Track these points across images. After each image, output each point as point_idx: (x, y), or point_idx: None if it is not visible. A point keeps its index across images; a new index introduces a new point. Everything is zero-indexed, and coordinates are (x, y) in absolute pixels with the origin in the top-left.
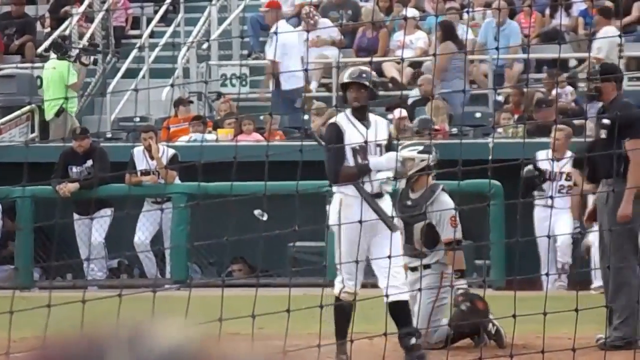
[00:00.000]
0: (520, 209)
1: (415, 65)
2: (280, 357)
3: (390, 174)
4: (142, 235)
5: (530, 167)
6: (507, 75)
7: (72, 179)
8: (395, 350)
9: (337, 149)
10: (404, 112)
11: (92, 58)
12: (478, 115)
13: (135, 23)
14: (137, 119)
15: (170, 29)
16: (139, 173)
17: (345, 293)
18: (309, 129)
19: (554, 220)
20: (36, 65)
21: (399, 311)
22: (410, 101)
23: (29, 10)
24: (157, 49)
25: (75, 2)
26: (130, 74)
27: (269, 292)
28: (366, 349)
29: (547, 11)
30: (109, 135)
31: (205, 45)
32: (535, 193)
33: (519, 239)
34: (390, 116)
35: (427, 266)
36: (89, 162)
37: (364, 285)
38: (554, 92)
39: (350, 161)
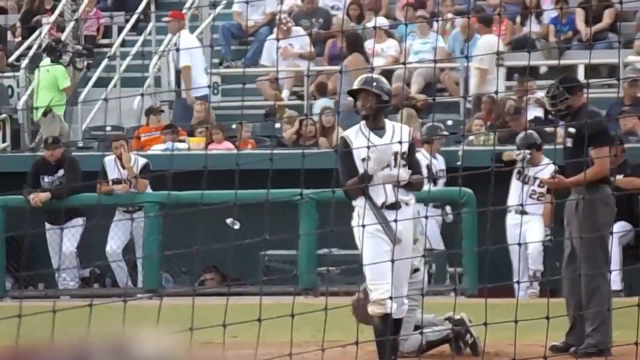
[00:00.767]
0: (491, 216)
1: (387, 73)
2: None
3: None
4: (114, 244)
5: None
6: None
7: (44, 189)
8: (369, 359)
9: (347, 162)
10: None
11: (85, 62)
12: (449, 122)
13: (107, 32)
14: (109, 128)
15: (141, 38)
16: (110, 182)
17: (374, 305)
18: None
19: (525, 229)
20: (6, 75)
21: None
22: None
23: (0, 19)
24: (128, 58)
25: (47, 12)
26: (102, 83)
27: (241, 300)
28: (339, 357)
29: (518, 19)
30: (80, 144)
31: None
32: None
33: (489, 247)
34: None
35: None
36: (61, 172)
37: (336, 294)
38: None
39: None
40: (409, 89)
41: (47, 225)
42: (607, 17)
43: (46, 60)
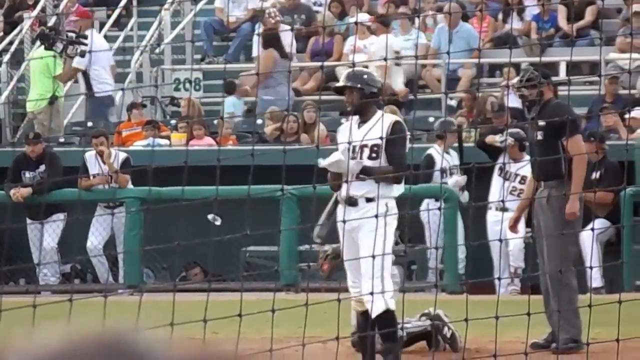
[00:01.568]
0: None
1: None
2: None
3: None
4: (95, 240)
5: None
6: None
7: (25, 184)
8: (349, 355)
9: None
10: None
11: (78, 50)
12: (431, 119)
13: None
14: (90, 124)
15: (123, 34)
16: (91, 177)
17: (355, 302)
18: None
19: (506, 225)
20: None
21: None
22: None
23: None
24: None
25: (29, 7)
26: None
27: (222, 296)
28: (319, 352)
29: (500, 16)
30: (61, 140)
31: (158, 50)
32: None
33: (470, 243)
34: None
35: None
36: (42, 167)
37: (317, 290)
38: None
39: None
40: (391, 85)
41: (28, 221)
42: (589, 14)
43: (40, 50)
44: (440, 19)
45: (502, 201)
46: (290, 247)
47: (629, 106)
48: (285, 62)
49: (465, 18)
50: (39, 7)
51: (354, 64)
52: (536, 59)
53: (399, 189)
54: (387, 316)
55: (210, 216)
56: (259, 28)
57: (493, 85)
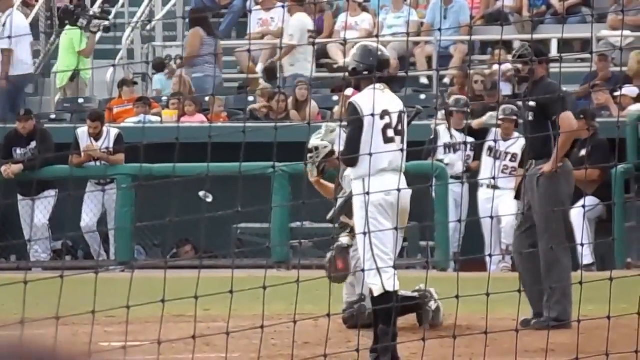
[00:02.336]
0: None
1: None
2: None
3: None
4: (88, 218)
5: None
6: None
7: (16, 160)
8: (340, 331)
9: None
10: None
11: (101, 25)
12: (422, 97)
13: (80, 3)
14: (81, 100)
15: (114, 10)
16: (83, 154)
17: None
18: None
19: (498, 203)
20: None
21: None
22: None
23: None
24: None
25: None
26: None
27: (213, 273)
28: (311, 329)
29: None
30: (52, 116)
31: (149, 27)
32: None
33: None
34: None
35: None
36: (33, 144)
37: (308, 267)
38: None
39: None
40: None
41: (19, 197)
42: None
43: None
44: None
45: (494, 178)
46: (282, 224)
47: (620, 84)
48: (212, 40)
49: None
50: None
51: (345, 42)
52: (528, 36)
53: (370, 167)
54: (384, 298)
55: (201, 193)
56: (252, 5)
57: (484, 63)
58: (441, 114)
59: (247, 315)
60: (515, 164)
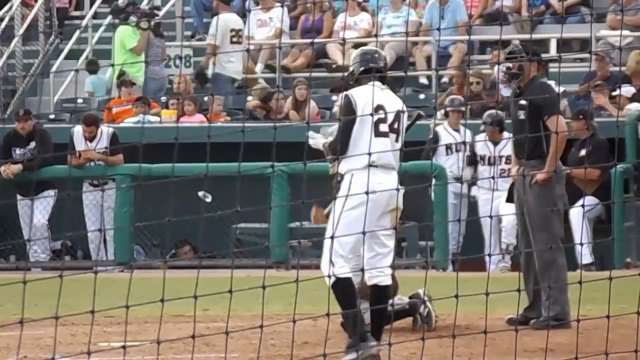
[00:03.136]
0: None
1: (359, 46)
2: None
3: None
4: (90, 223)
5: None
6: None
7: (15, 161)
8: (339, 332)
9: None
10: None
11: (151, 23)
12: (422, 96)
13: (79, 4)
14: (80, 100)
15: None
16: (77, 154)
17: None
18: None
19: (498, 202)
20: None
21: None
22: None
23: None
24: (100, 30)
25: None
26: (73, 55)
27: (212, 273)
28: (310, 329)
29: None
30: (51, 116)
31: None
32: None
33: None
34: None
35: None
36: (32, 144)
37: (307, 267)
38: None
39: None
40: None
41: (19, 197)
42: None
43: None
44: None
45: (493, 177)
46: (281, 224)
47: (619, 83)
48: (161, 41)
49: None
50: None
51: (344, 41)
52: (527, 36)
53: (359, 161)
54: (337, 286)
55: (200, 193)
56: (250, 5)
57: (484, 62)
58: (440, 114)
59: (246, 315)
60: (511, 165)
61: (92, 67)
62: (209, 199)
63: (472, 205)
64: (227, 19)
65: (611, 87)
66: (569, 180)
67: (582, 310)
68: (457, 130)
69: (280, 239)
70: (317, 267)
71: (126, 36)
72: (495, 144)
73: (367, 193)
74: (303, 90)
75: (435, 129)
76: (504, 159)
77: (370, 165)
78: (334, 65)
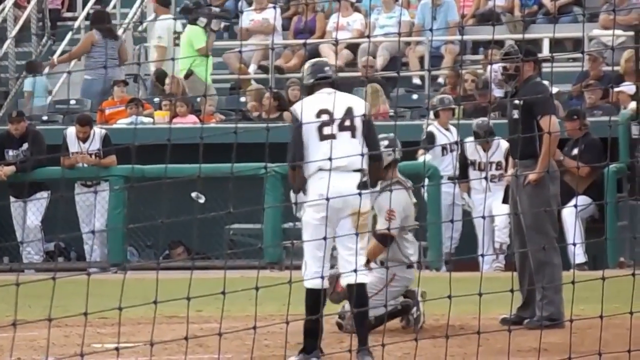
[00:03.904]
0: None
1: (352, 47)
2: None
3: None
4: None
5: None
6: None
7: (8, 162)
8: (333, 332)
9: None
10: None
11: (222, 24)
12: (415, 97)
13: (71, 5)
14: (73, 102)
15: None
16: (71, 155)
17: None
18: None
19: (491, 201)
20: None
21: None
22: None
23: None
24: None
25: None
26: None
27: (206, 274)
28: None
29: None
30: (44, 118)
31: (141, 27)
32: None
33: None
34: None
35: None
36: (25, 145)
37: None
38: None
39: None
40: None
41: (12, 199)
42: None
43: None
44: None
45: (485, 178)
46: (274, 224)
47: (612, 83)
48: (114, 42)
49: None
50: None
51: (337, 42)
52: (519, 36)
53: (311, 167)
54: (308, 294)
55: (193, 194)
56: (243, 6)
57: (476, 62)
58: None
59: (239, 316)
60: (502, 171)
61: (32, 68)
62: (202, 200)
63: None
64: (170, 22)
65: (604, 87)
66: (561, 180)
67: (576, 310)
68: (448, 130)
69: (274, 239)
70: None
71: (195, 36)
72: (485, 150)
73: (323, 198)
74: (296, 91)
75: (430, 130)
76: (494, 165)
77: (321, 169)
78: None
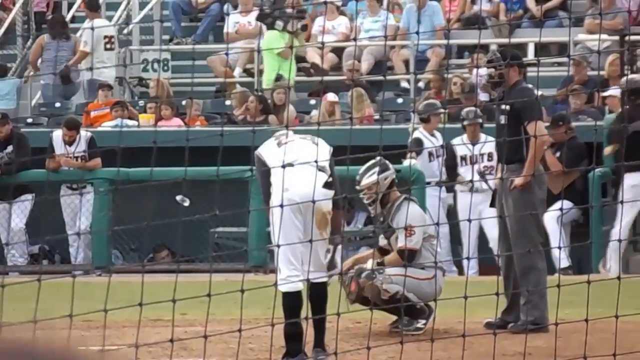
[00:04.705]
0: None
1: (337, 50)
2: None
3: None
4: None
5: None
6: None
7: None
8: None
9: None
10: (336, 97)
11: (300, 24)
12: (400, 101)
13: (56, 8)
14: (58, 104)
15: None
16: (57, 157)
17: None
18: None
19: (482, 208)
20: None
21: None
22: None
23: None
24: (77, 34)
25: None
26: None
27: (191, 278)
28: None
29: None
30: (29, 120)
31: (126, 30)
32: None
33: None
34: (312, 102)
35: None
36: (10, 148)
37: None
38: (473, 77)
39: None
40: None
41: None
42: None
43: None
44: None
45: (471, 181)
46: (259, 228)
47: (597, 87)
48: (65, 42)
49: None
50: None
51: (322, 45)
52: (505, 40)
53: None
54: (285, 298)
55: (178, 197)
56: (229, 9)
57: (462, 67)
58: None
59: (224, 319)
60: (494, 162)
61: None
62: (187, 203)
63: (453, 209)
64: (100, 26)
65: (589, 90)
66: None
67: (560, 314)
68: (434, 135)
69: (259, 243)
70: None
71: (273, 41)
72: (474, 143)
73: (281, 206)
74: (282, 95)
75: (417, 137)
76: (485, 157)
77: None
78: (311, 70)
